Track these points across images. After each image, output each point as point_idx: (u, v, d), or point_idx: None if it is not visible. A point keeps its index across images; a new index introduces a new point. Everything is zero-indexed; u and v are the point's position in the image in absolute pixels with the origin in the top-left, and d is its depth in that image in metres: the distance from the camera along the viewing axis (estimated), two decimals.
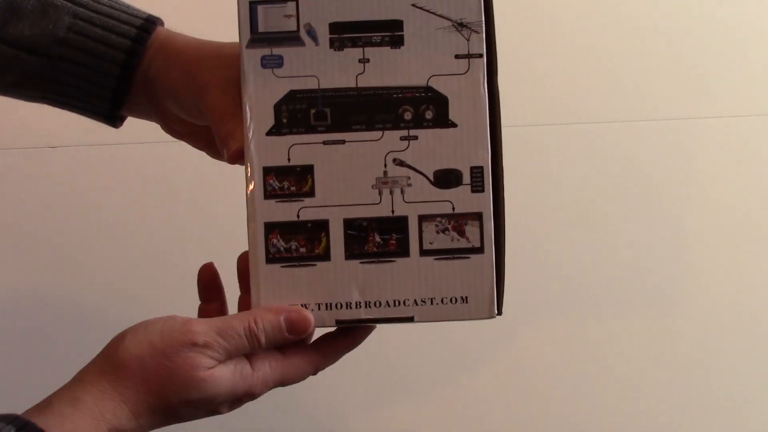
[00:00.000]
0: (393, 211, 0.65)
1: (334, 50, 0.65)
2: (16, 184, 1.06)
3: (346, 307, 0.65)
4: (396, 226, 0.65)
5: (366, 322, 0.66)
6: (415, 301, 0.65)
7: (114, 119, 0.73)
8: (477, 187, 0.65)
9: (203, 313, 0.67)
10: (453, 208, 0.65)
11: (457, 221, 0.65)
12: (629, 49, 1.08)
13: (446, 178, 0.65)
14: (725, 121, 1.08)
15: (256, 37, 0.65)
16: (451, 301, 0.65)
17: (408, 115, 0.65)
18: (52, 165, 1.07)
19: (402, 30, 0.65)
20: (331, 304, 0.65)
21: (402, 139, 0.65)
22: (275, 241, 0.65)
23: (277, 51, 0.65)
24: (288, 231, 0.65)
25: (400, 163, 0.65)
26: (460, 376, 1.07)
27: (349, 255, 0.65)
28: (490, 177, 0.65)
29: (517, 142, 1.05)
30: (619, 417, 1.07)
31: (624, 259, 1.07)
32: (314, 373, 0.67)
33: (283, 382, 0.65)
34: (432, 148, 0.65)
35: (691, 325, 1.07)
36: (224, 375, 0.62)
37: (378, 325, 0.67)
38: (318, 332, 0.67)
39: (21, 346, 1.05)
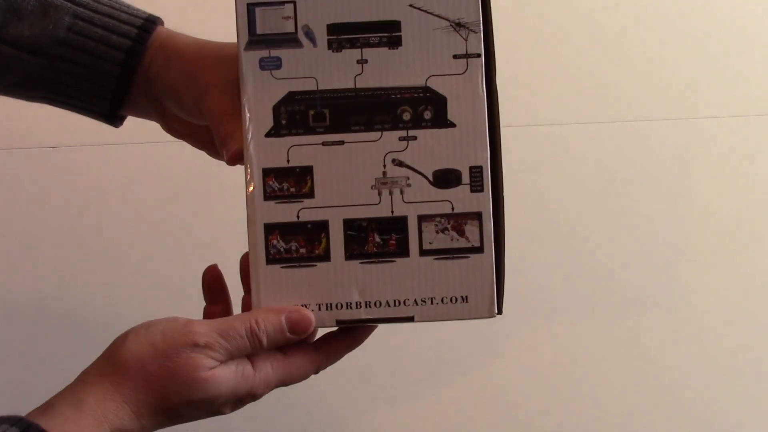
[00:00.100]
0: (392, 212, 0.65)
1: (333, 51, 0.65)
2: (16, 184, 1.06)
3: (347, 308, 0.65)
4: (395, 226, 0.65)
5: (366, 322, 0.66)
6: (415, 300, 0.65)
7: (114, 119, 0.74)
8: (476, 186, 0.65)
9: (208, 314, 0.67)
10: (452, 208, 0.65)
11: (457, 221, 0.65)
12: (629, 49, 1.08)
13: (445, 178, 0.65)
14: (724, 121, 1.08)
15: (254, 39, 0.66)
16: (451, 300, 0.65)
17: (407, 116, 0.65)
18: (52, 165, 1.07)
19: (400, 31, 0.65)
20: (331, 304, 0.65)
21: (401, 139, 0.65)
22: (275, 242, 0.65)
23: (275, 53, 0.66)
24: (288, 232, 0.65)
25: (400, 164, 0.65)
26: (460, 375, 1.07)
27: (349, 255, 0.65)
28: (489, 177, 0.65)
29: (517, 142, 1.05)
30: (619, 417, 1.07)
31: (623, 259, 1.07)
32: (316, 373, 0.67)
33: (285, 382, 0.66)
34: (431, 148, 0.65)
35: (691, 325, 1.07)
36: (226, 375, 0.62)
37: (378, 325, 0.67)
38: (319, 332, 0.67)
39: (21, 346, 1.05)
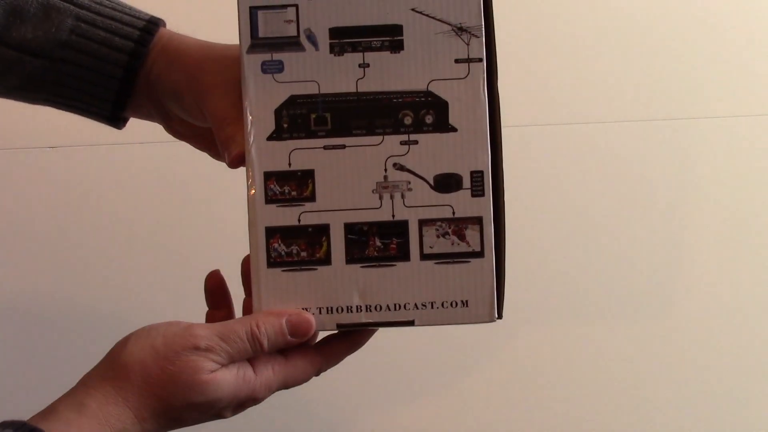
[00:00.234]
0: (393, 216, 0.66)
1: (334, 55, 0.65)
2: (16, 184, 1.06)
3: (347, 311, 0.66)
4: (396, 230, 0.65)
5: (367, 325, 0.66)
6: (415, 305, 0.65)
7: (117, 121, 0.74)
8: (477, 191, 0.65)
9: (210, 319, 0.67)
10: (453, 213, 0.65)
11: (458, 225, 0.65)
12: (629, 49, 1.08)
13: (446, 183, 0.65)
14: (725, 121, 1.08)
15: (257, 43, 0.66)
16: (451, 305, 0.65)
17: (408, 120, 0.66)
18: (52, 165, 1.07)
19: (402, 35, 0.65)
20: (332, 308, 0.66)
21: (402, 143, 0.65)
22: (276, 245, 0.66)
23: (277, 56, 0.66)
24: (289, 235, 0.66)
25: (401, 168, 0.66)
26: (460, 378, 1.07)
27: (350, 259, 0.65)
28: (490, 181, 0.65)
29: (517, 142, 1.05)
30: (619, 419, 1.07)
31: (624, 261, 1.07)
32: (317, 375, 0.67)
33: (286, 385, 0.66)
34: (432, 152, 0.65)
35: (691, 327, 1.07)
36: (227, 378, 0.63)
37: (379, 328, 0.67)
38: (320, 335, 0.68)
39: (21, 347, 1.05)
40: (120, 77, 0.70)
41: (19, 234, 1.06)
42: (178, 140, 0.75)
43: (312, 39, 0.66)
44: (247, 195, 0.66)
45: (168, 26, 0.72)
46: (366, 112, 0.65)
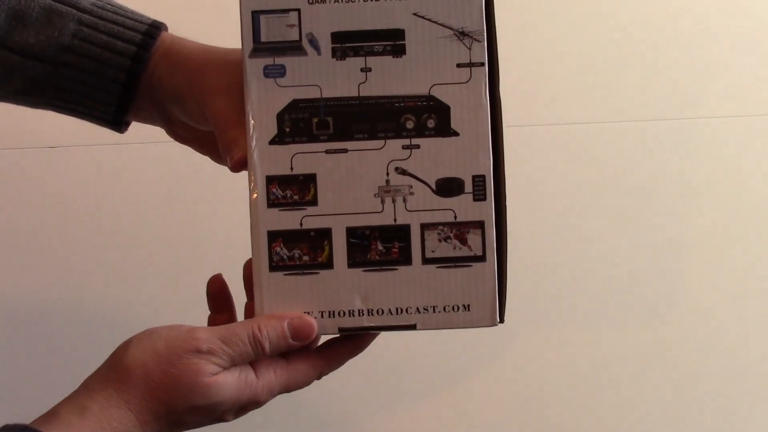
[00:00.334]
0: (395, 220, 0.66)
1: (337, 60, 0.66)
2: (16, 184, 1.06)
3: (349, 315, 0.66)
4: (398, 234, 0.66)
5: (369, 329, 0.66)
6: (417, 309, 0.66)
7: (119, 125, 0.74)
8: (479, 195, 0.65)
9: (212, 323, 0.67)
10: (455, 217, 0.66)
11: (459, 229, 0.66)
12: (629, 49, 1.08)
13: (448, 187, 0.66)
14: (725, 121, 1.08)
15: (259, 47, 0.66)
16: (453, 309, 0.65)
17: (410, 124, 0.66)
18: (52, 165, 1.06)
19: (404, 39, 0.65)
20: (334, 311, 0.66)
21: (404, 147, 0.66)
22: (278, 249, 0.66)
23: (279, 60, 0.66)
24: (291, 239, 0.66)
25: (403, 172, 0.66)
26: (461, 383, 1.07)
27: (352, 263, 0.66)
28: (492, 185, 0.65)
29: (517, 142, 1.05)
30: (621, 423, 1.07)
31: (625, 264, 1.07)
32: (318, 379, 0.67)
33: (288, 389, 0.66)
34: (434, 156, 0.65)
35: (693, 330, 1.07)
36: (228, 381, 0.63)
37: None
38: (321, 338, 0.68)
39: (21, 348, 1.05)
40: (122, 81, 0.70)
41: (19, 234, 1.06)
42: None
43: (314, 43, 0.66)
44: (249, 199, 0.66)
45: (170, 30, 0.72)
46: (368, 116, 0.66)
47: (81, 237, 1.06)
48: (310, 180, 0.66)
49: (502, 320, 0.66)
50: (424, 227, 0.66)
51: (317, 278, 0.66)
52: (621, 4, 1.08)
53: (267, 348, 0.64)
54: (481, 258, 0.65)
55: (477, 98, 0.65)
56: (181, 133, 0.73)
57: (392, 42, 0.65)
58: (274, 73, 0.66)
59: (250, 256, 0.66)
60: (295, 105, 0.66)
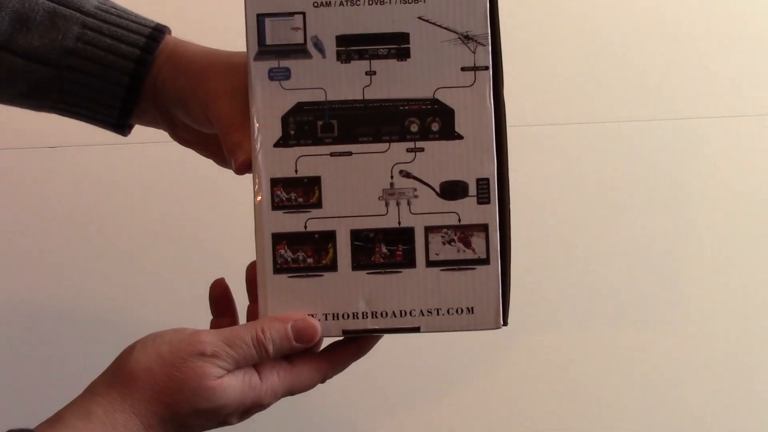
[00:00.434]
0: (399, 223, 0.66)
1: (341, 63, 0.66)
2: (16, 184, 1.06)
3: (353, 318, 0.66)
4: (402, 237, 0.66)
5: (372, 332, 0.66)
6: (421, 311, 0.66)
7: (122, 128, 0.74)
8: (483, 198, 0.66)
9: (215, 327, 0.67)
10: (459, 220, 0.66)
11: (463, 232, 0.66)
12: (630, 49, 1.08)
13: (452, 190, 0.66)
14: (725, 121, 1.08)
15: (264, 50, 0.66)
16: (457, 311, 0.66)
17: (414, 127, 0.66)
18: (52, 165, 1.06)
19: (408, 42, 0.66)
20: (337, 314, 0.66)
21: (408, 150, 0.66)
22: (282, 251, 0.66)
23: (284, 63, 0.66)
24: (295, 242, 0.66)
25: (407, 175, 0.66)
26: (465, 385, 1.07)
27: (356, 266, 0.66)
28: (496, 189, 0.66)
29: (517, 142, 1.05)
30: (625, 425, 1.07)
31: (628, 265, 1.07)
32: (322, 382, 0.67)
33: (292, 391, 0.66)
34: (438, 159, 0.66)
35: (697, 331, 1.07)
36: (233, 384, 0.63)
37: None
38: (325, 341, 0.68)
39: (21, 350, 1.04)
40: (126, 84, 0.70)
41: (19, 234, 1.06)
42: None
43: (319, 46, 0.66)
44: (254, 201, 0.66)
45: (173, 33, 0.72)
46: (372, 119, 0.66)
47: (81, 237, 1.06)
48: (314, 182, 0.66)
49: (505, 323, 0.66)
50: (428, 230, 0.66)
51: (321, 281, 0.66)
52: (621, 4, 1.08)
53: (270, 350, 0.64)
54: (485, 261, 0.66)
55: (481, 102, 0.65)
56: (184, 136, 0.73)
57: (397, 45, 0.66)
58: (279, 75, 0.66)
59: (252, 258, 0.67)
60: (299, 108, 0.66)
